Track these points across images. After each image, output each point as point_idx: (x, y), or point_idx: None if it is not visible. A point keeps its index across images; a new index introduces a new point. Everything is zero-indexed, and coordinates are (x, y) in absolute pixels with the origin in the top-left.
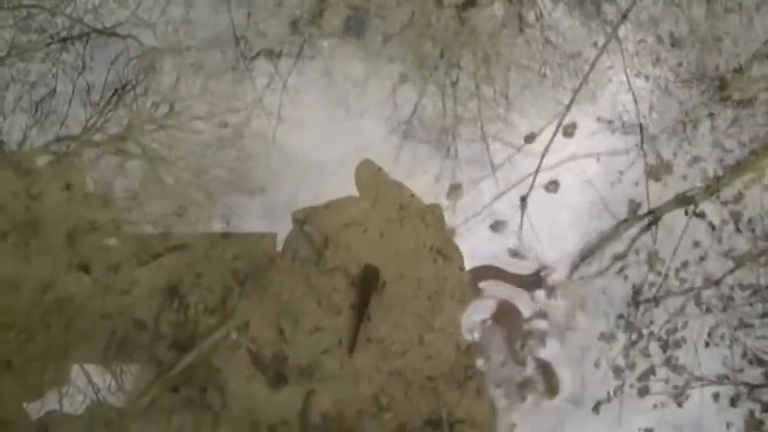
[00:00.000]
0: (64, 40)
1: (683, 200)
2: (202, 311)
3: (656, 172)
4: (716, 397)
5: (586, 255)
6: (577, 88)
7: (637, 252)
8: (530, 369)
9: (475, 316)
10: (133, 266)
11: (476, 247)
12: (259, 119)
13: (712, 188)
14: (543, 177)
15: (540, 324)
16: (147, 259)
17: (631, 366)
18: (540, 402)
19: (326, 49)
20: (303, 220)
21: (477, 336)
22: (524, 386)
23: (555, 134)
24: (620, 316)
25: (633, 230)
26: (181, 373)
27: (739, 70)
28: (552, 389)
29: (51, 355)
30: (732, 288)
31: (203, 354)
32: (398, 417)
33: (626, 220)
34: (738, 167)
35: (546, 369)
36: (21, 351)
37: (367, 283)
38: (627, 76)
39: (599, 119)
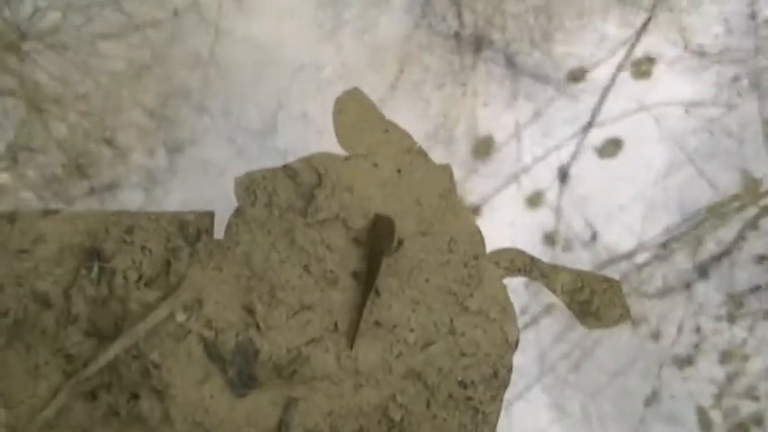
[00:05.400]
0: None
1: None
2: (135, 282)
3: None
4: None
5: None
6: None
7: None
8: None
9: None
10: (37, 216)
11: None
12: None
13: None
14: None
15: None
16: (56, 206)
17: None
18: None
19: None
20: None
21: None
22: None
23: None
24: None
25: None
26: (101, 372)
27: None
28: None
29: None
30: None
31: (135, 344)
32: None
33: None
34: None
35: None
36: None
37: (376, 242)
38: None
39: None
